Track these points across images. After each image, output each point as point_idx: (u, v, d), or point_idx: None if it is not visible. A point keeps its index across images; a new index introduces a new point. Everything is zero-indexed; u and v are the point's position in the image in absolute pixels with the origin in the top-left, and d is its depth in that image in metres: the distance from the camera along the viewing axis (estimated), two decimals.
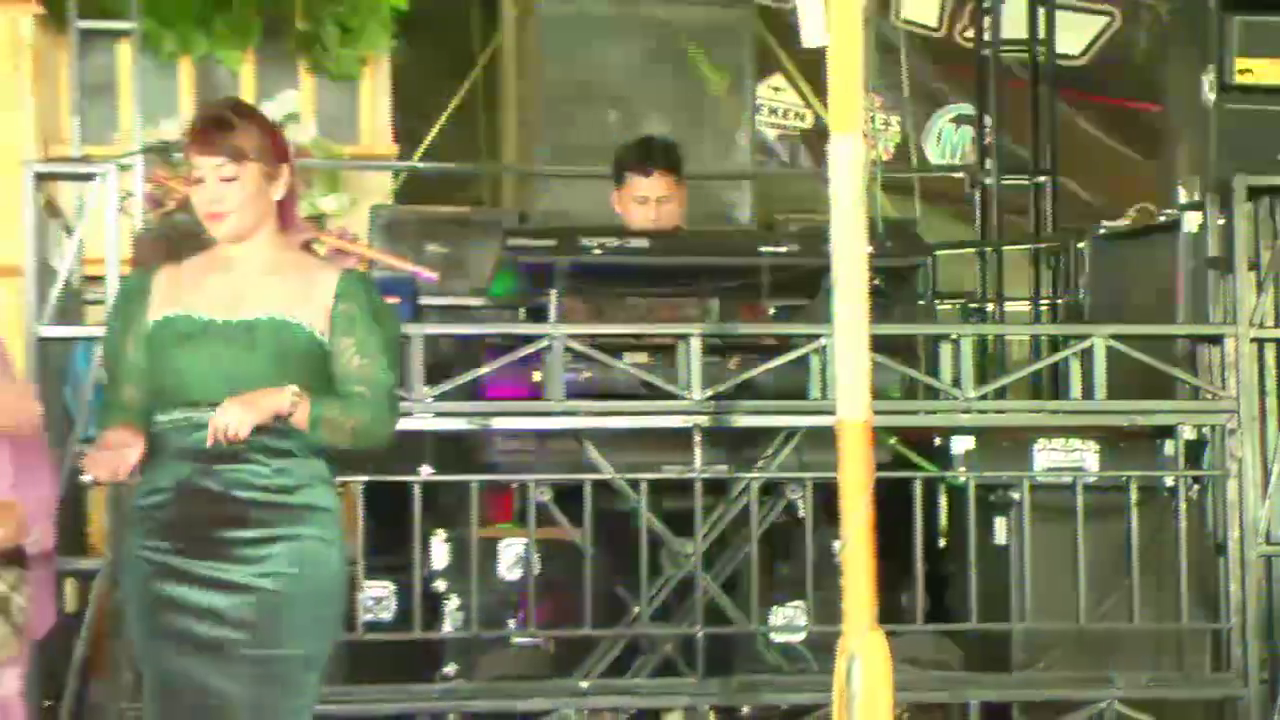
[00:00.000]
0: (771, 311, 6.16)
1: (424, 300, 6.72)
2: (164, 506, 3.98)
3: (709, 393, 5.75)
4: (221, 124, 4.05)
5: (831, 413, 3.43)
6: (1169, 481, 6.04)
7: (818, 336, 5.73)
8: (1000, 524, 6.01)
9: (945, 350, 5.91)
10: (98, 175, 5.97)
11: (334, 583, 4.06)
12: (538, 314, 6.07)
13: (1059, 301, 7.91)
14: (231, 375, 3.92)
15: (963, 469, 6.02)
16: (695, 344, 5.74)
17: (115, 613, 5.62)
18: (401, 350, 5.50)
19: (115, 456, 3.88)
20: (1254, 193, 6.12)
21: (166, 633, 3.95)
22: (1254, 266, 6.12)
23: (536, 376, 5.84)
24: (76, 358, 6.60)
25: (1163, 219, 6.74)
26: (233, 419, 3.82)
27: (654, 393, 5.79)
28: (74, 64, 6.40)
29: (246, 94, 8.77)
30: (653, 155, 6.23)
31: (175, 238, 5.55)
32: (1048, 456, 6.03)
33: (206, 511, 3.94)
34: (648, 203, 6.17)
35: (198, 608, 3.92)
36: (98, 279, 6.47)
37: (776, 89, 10.31)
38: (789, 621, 6.03)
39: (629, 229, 6.12)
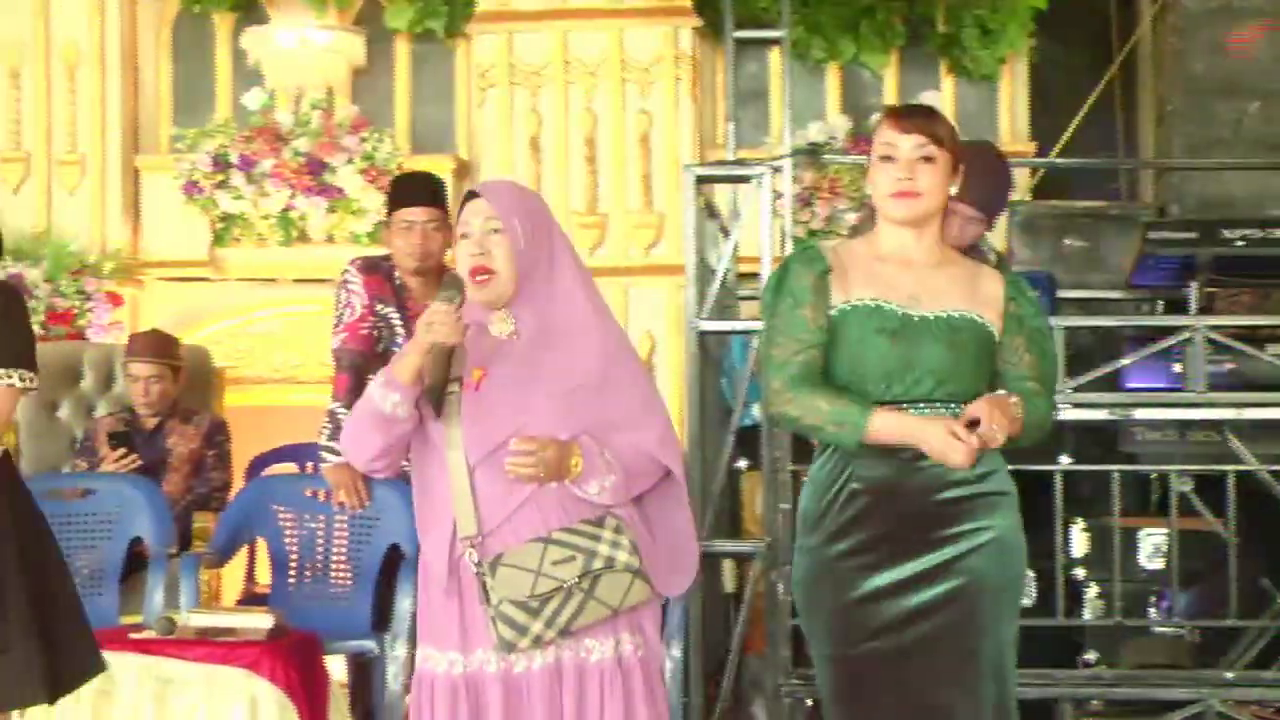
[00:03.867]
0: None
1: (1062, 293, 6.77)
2: (858, 503, 3.90)
3: None
4: (925, 109, 4.09)
5: None
6: None
7: None
8: None
9: None
10: (753, 178, 6.19)
11: (1023, 566, 3.99)
12: (1177, 306, 6.04)
13: None
14: (937, 372, 3.87)
15: None
16: None
17: (770, 593, 5.87)
18: None
19: None
20: None
21: (865, 632, 3.88)
22: None
23: (1177, 368, 5.82)
24: (732, 350, 6.90)
25: None
26: (997, 434, 3.77)
27: None
28: (729, 72, 6.67)
29: (889, 96, 9.01)
30: None
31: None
32: None
33: (913, 508, 3.89)
34: None
35: (904, 606, 3.86)
36: (751, 276, 6.76)
37: None
38: None
39: (1272, 219, 6.01)
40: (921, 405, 3.88)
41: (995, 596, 3.88)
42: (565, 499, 3.83)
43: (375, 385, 3.83)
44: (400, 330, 5.76)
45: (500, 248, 3.84)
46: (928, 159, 3.93)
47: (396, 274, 5.84)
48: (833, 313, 3.93)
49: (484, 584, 3.76)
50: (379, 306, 5.79)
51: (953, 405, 3.88)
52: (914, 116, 4.01)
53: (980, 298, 3.96)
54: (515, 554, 3.77)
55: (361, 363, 5.72)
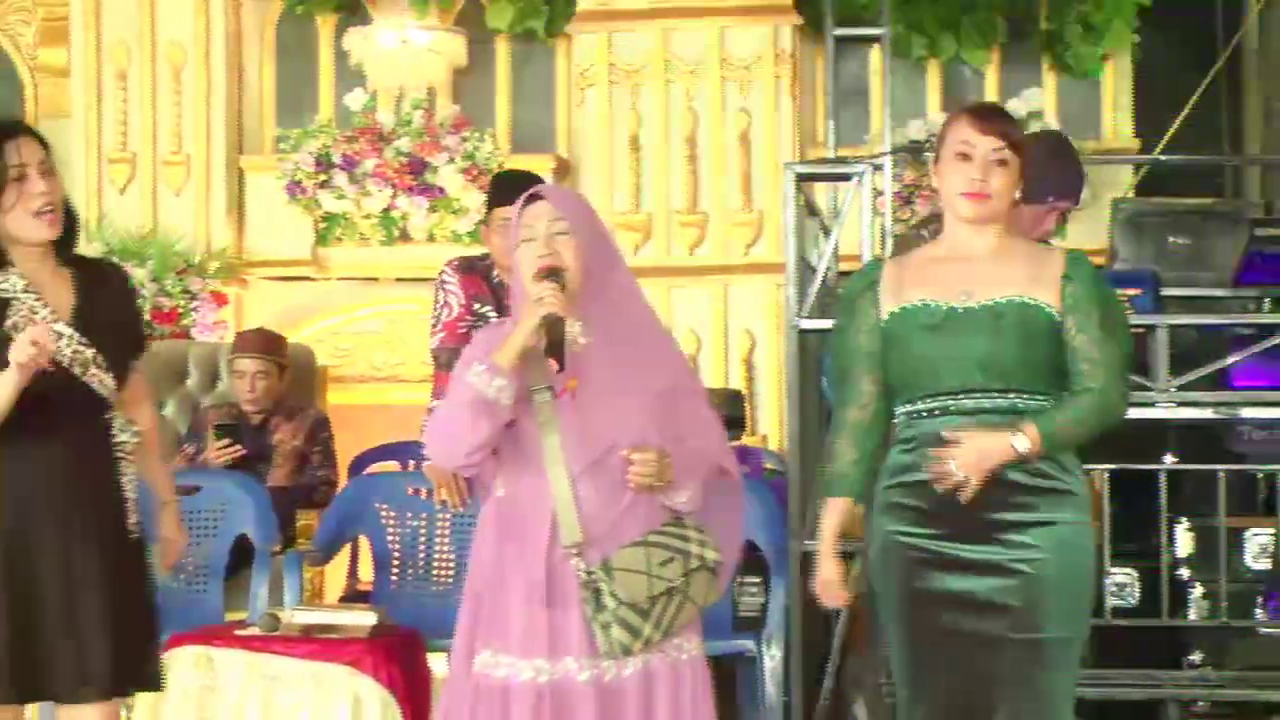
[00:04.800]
0: None
1: (1167, 291, 6.70)
2: (922, 493, 3.99)
3: None
4: (1003, 113, 4.15)
5: None
6: None
7: None
8: None
9: None
10: (853, 176, 6.16)
11: (1089, 565, 4.03)
12: None
13: None
14: (983, 361, 3.92)
15: None
16: None
17: (871, 592, 5.84)
18: (1144, 340, 5.57)
19: None
20: None
21: (929, 619, 3.99)
22: None
23: None
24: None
25: None
26: (967, 475, 3.88)
27: None
28: (829, 69, 6.65)
29: (990, 93, 8.97)
30: None
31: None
32: None
33: (975, 498, 3.92)
34: None
35: (961, 594, 3.94)
36: (851, 274, 6.73)
37: None
38: None
39: None
40: (978, 395, 3.96)
41: (1058, 591, 3.93)
42: (650, 505, 3.86)
43: (475, 374, 3.80)
44: None
45: (567, 249, 3.86)
46: (1002, 162, 3.99)
47: (494, 273, 5.86)
48: (885, 320, 4.04)
49: (596, 591, 3.77)
50: (476, 305, 5.82)
51: (1010, 396, 3.96)
52: (993, 118, 4.06)
53: (1040, 279, 3.99)
54: (623, 558, 3.79)
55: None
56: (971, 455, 3.90)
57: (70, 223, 4.11)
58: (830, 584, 4.17)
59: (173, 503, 4.40)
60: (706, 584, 3.87)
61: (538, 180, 6.03)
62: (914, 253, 4.22)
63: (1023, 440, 3.90)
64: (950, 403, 3.98)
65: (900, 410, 4.07)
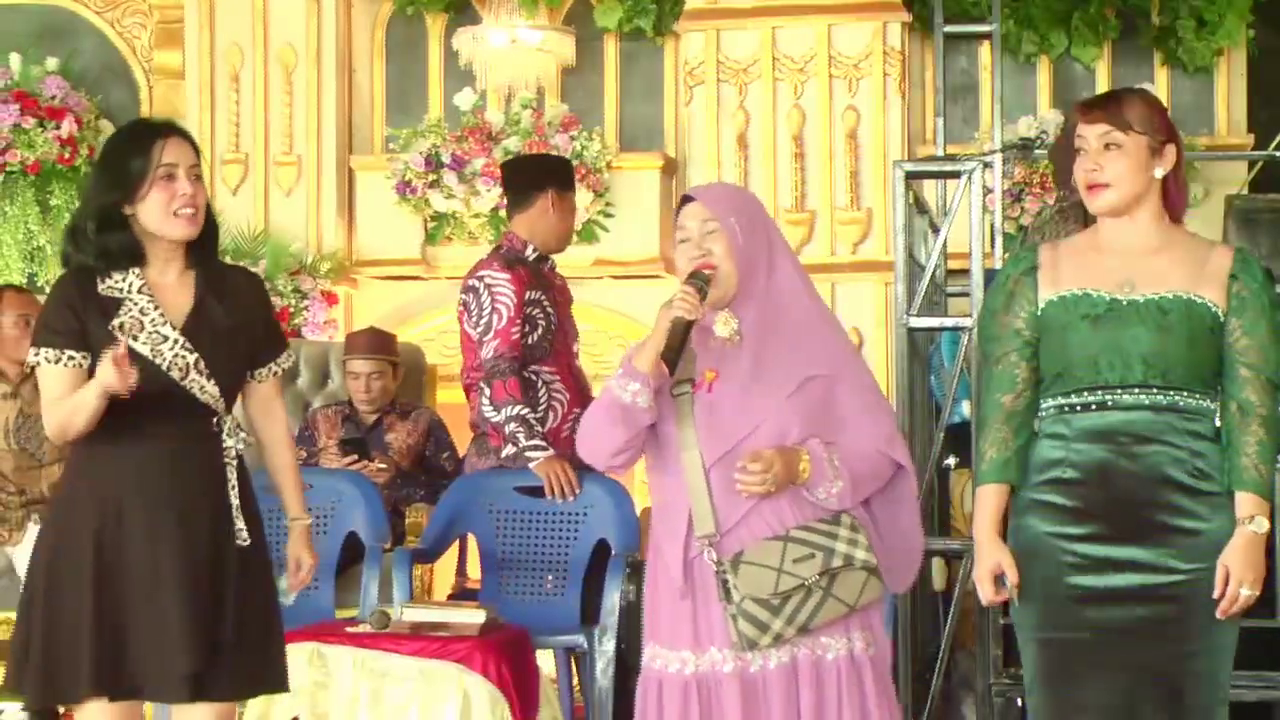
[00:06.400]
0: None
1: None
2: (1075, 490, 3.87)
3: None
4: (1110, 96, 4.01)
5: None
6: None
7: None
8: None
9: None
10: (963, 173, 6.13)
11: None
12: None
13: None
14: (1147, 356, 3.80)
15: None
16: None
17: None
18: None
19: None
20: None
21: (1080, 617, 3.86)
22: None
23: None
24: (941, 347, 6.84)
25: None
26: (1252, 590, 3.76)
27: None
28: (939, 66, 6.63)
29: (1101, 89, 8.87)
30: None
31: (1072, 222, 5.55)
32: None
33: (1127, 494, 3.83)
34: None
35: (1114, 589, 3.83)
36: (960, 273, 6.71)
37: None
38: None
39: None
40: (1138, 391, 3.83)
41: (1211, 600, 3.79)
42: (795, 499, 3.84)
43: (613, 379, 3.87)
44: (552, 311, 5.84)
45: (719, 245, 3.87)
46: (1112, 145, 3.86)
47: (529, 250, 5.90)
48: (1041, 307, 3.92)
49: (725, 582, 3.78)
50: (530, 295, 5.83)
51: (1170, 393, 3.83)
52: (1097, 105, 3.94)
53: (1205, 276, 3.84)
54: (756, 552, 3.78)
55: (520, 363, 5.78)
56: (1246, 571, 3.78)
57: (210, 229, 4.16)
58: (998, 573, 3.91)
59: (299, 521, 4.34)
60: (861, 584, 3.82)
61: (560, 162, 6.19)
62: (1069, 240, 4.09)
63: (1260, 522, 3.79)
64: (1108, 397, 3.85)
65: (1050, 403, 3.93)
